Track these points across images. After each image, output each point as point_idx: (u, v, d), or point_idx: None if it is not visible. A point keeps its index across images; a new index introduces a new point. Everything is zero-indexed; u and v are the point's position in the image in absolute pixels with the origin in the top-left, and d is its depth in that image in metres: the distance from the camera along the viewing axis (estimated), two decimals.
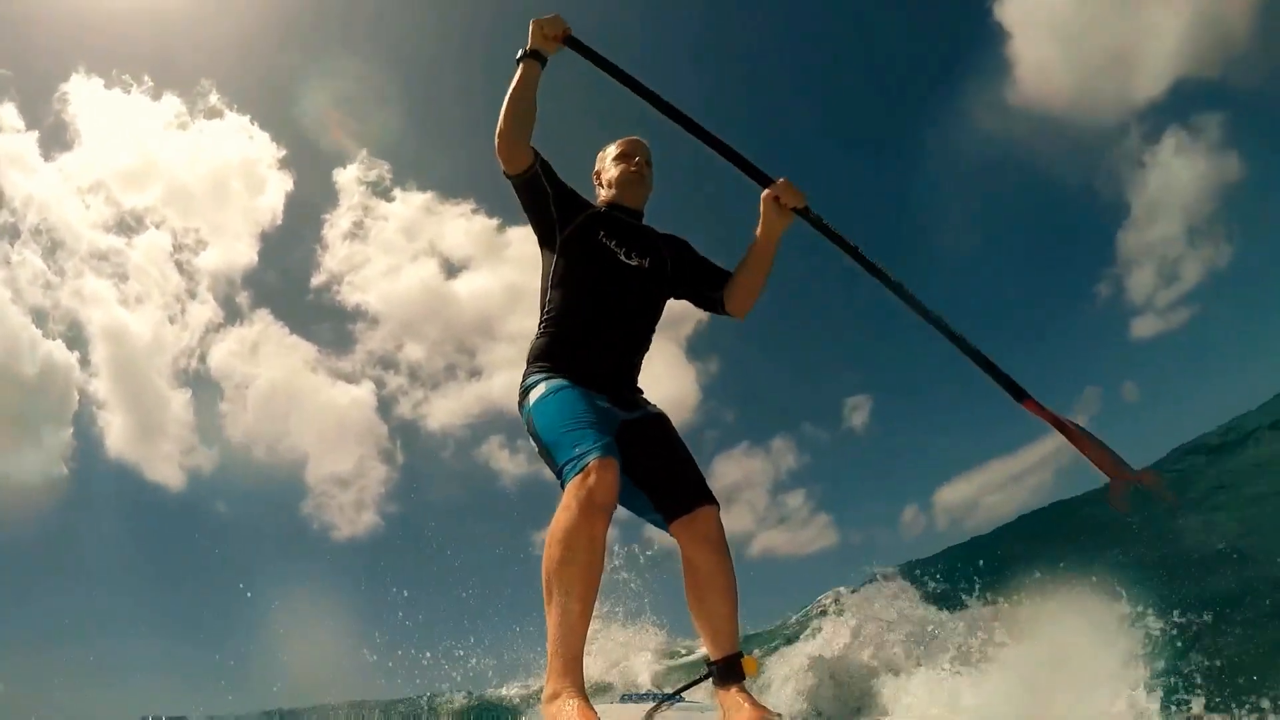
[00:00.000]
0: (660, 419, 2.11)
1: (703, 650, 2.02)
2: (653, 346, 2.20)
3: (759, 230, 2.18)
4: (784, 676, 3.99)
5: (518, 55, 2.10)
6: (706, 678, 2.01)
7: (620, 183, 2.24)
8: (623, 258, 2.12)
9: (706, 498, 1.99)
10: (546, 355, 2.05)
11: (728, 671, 1.91)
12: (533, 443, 1.97)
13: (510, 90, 2.07)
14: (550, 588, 1.62)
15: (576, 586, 1.61)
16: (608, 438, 1.77)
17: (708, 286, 2.27)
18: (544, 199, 2.11)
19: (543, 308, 2.13)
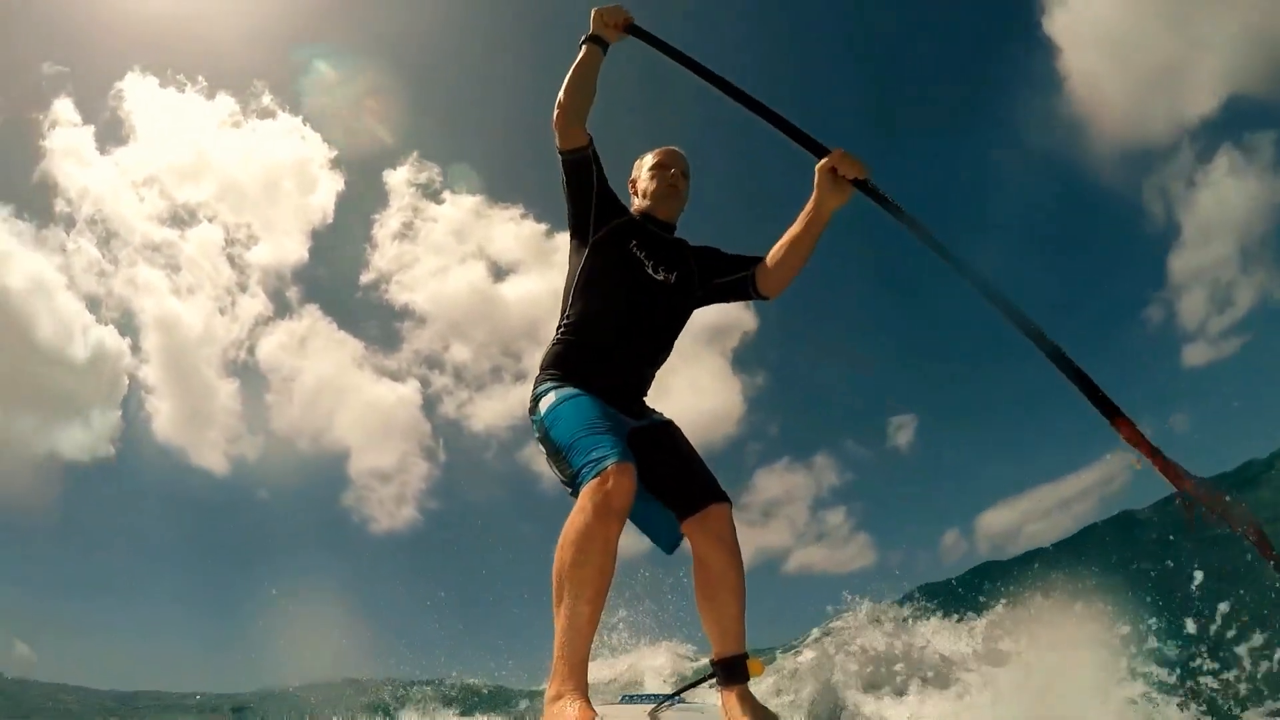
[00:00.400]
0: (668, 425, 2.13)
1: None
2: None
3: (810, 205, 2.08)
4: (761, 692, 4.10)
5: (581, 39, 2.13)
6: (710, 678, 2.01)
7: (655, 194, 2.23)
8: (650, 271, 2.11)
9: (719, 495, 1.99)
10: (560, 363, 2.05)
11: (732, 671, 1.91)
12: (541, 447, 1.98)
13: (571, 69, 2.09)
14: (561, 590, 1.62)
15: (587, 590, 1.60)
16: (624, 443, 1.77)
17: (737, 269, 2.22)
18: (588, 188, 2.11)
19: (563, 313, 2.12)
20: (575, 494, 1.74)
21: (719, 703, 1.97)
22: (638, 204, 2.27)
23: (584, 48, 2.12)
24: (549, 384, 2.01)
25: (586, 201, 2.11)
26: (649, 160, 2.28)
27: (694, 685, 2.21)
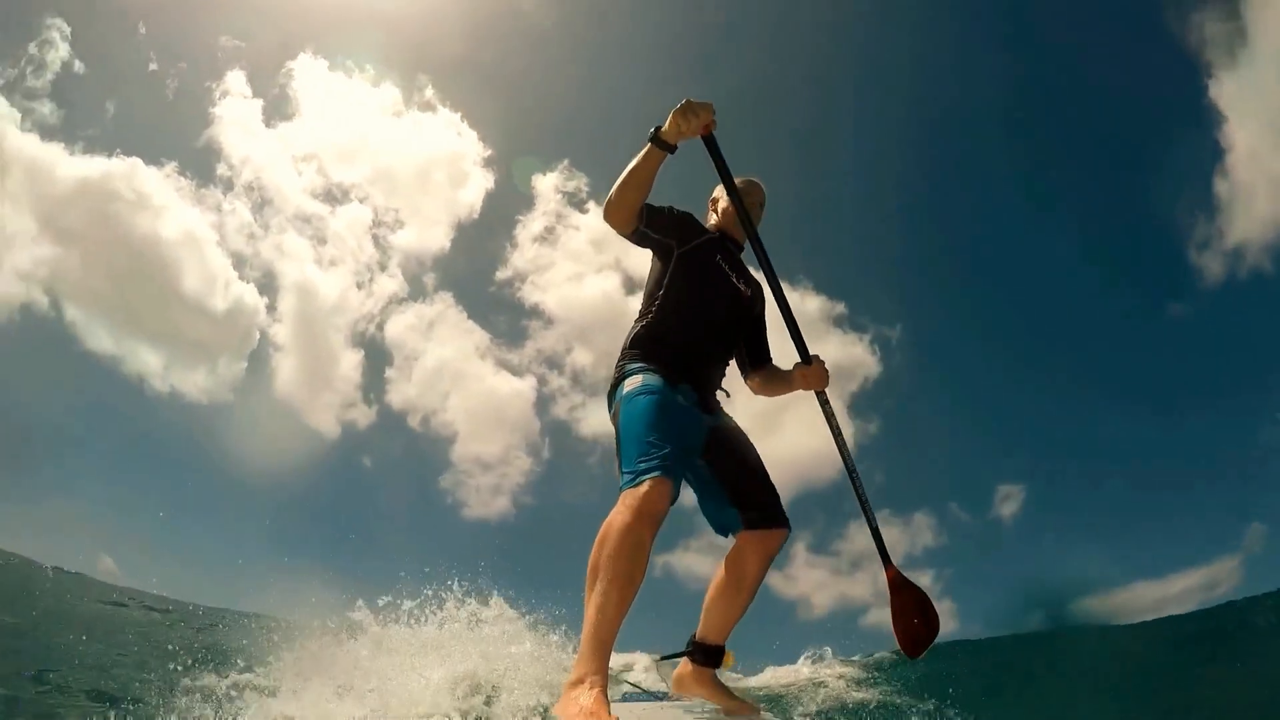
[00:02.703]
0: (741, 430, 2.25)
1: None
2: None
3: (788, 379, 2.36)
4: None
5: (651, 132, 2.02)
6: (687, 653, 2.27)
7: (736, 220, 2.33)
8: (734, 280, 2.27)
9: (786, 522, 2.16)
10: (648, 344, 2.16)
11: (712, 655, 2.22)
12: (614, 422, 2.09)
13: (631, 169, 2.05)
14: (595, 577, 1.71)
15: (620, 579, 1.69)
16: (673, 459, 1.85)
17: (752, 356, 2.44)
18: (656, 243, 2.22)
19: (651, 299, 2.23)
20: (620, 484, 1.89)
21: (678, 671, 2.30)
22: (716, 220, 2.43)
23: (648, 148, 2.02)
24: (637, 364, 2.12)
25: (663, 246, 2.23)
26: (740, 185, 2.37)
27: (676, 656, 2.40)
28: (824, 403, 2.33)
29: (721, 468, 2.15)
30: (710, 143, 2.09)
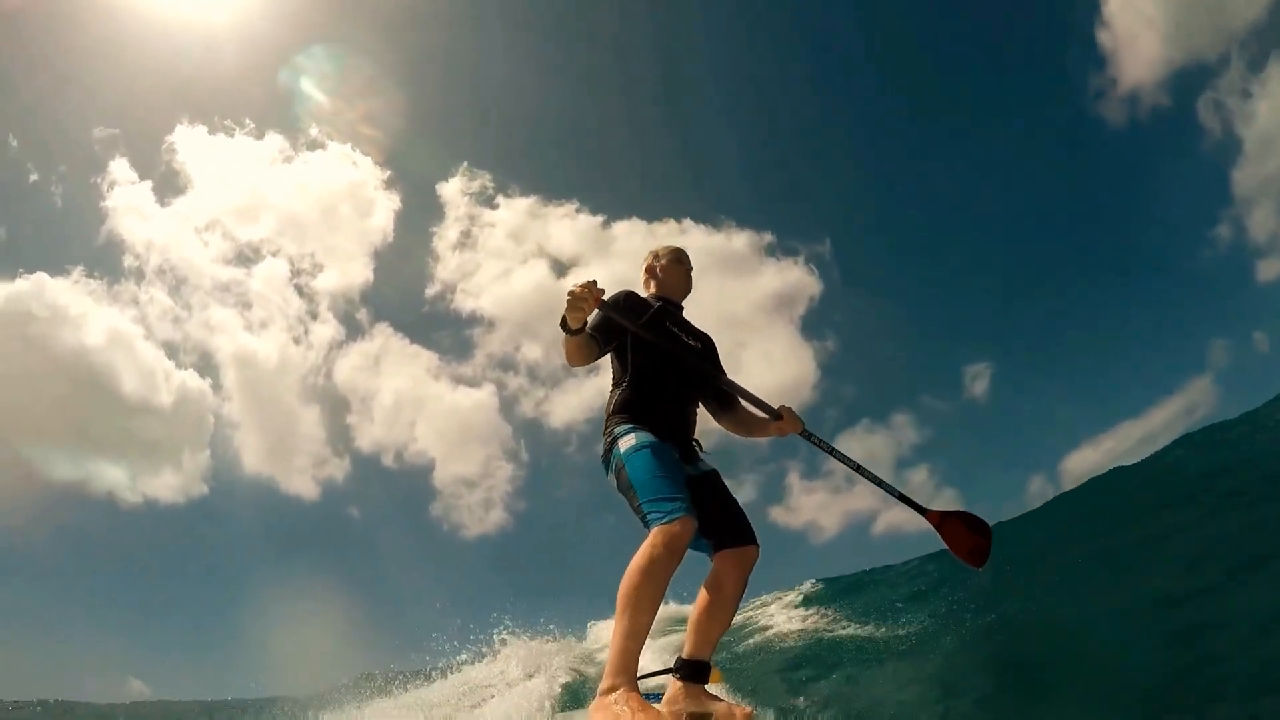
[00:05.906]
0: (716, 474, 2.53)
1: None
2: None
3: (765, 426, 2.63)
4: None
5: (562, 325, 2.30)
6: (672, 671, 2.37)
7: (676, 283, 2.73)
8: (686, 339, 2.60)
9: (755, 540, 2.39)
10: (631, 408, 2.43)
11: (699, 672, 2.33)
12: (614, 479, 2.36)
13: (565, 352, 2.39)
14: (628, 601, 1.97)
15: (649, 605, 1.97)
16: (688, 497, 2.17)
17: (719, 401, 2.69)
18: (619, 344, 2.51)
19: (624, 368, 2.51)
20: (645, 524, 2.15)
21: (670, 690, 2.35)
22: (655, 287, 2.75)
23: (564, 338, 2.33)
24: (625, 425, 2.39)
25: (622, 337, 2.50)
26: (668, 255, 2.77)
27: (655, 675, 2.50)
28: (808, 438, 2.61)
29: (699, 512, 2.27)
30: (604, 306, 2.37)
